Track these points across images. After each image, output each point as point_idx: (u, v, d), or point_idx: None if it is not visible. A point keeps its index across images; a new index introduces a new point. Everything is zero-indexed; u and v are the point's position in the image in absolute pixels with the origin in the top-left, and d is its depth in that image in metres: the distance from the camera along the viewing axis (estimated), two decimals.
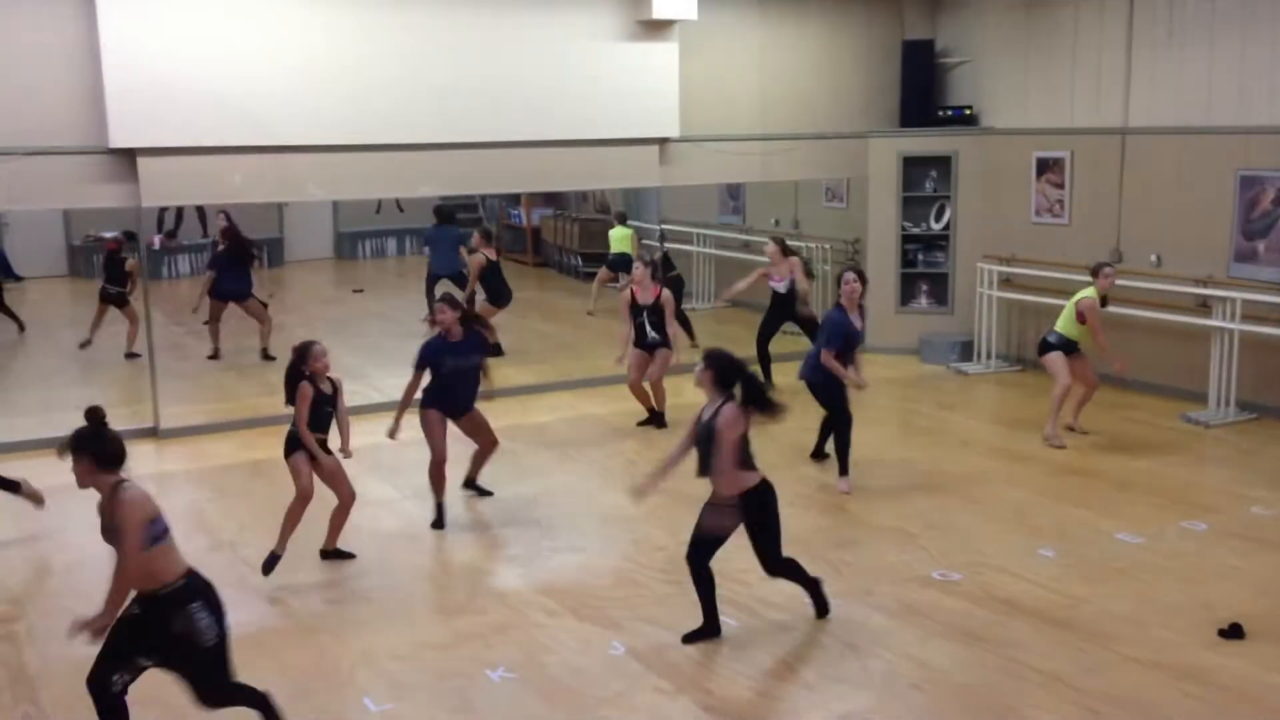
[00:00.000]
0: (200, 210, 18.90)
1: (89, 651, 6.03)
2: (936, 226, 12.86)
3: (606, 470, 8.99)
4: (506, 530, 7.80)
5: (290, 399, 7.03)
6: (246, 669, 5.83)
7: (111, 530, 4.66)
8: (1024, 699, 5.44)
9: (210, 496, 8.55)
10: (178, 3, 9.57)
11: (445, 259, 13.93)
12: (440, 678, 5.74)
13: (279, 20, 9.95)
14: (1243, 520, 7.73)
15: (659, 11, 11.05)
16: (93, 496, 8.81)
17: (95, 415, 4.95)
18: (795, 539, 7.47)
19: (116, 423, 10.60)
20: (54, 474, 9.20)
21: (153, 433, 10.06)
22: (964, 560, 7.10)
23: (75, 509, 8.27)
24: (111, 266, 13.26)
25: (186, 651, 4.66)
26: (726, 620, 6.30)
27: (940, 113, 12.81)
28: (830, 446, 8.73)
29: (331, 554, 7.27)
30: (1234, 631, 6.02)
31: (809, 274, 11.74)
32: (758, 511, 5.94)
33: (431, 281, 13.90)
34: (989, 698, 5.47)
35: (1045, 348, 9.62)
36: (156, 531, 4.69)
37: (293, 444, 7.07)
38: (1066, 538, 7.45)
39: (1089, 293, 9.41)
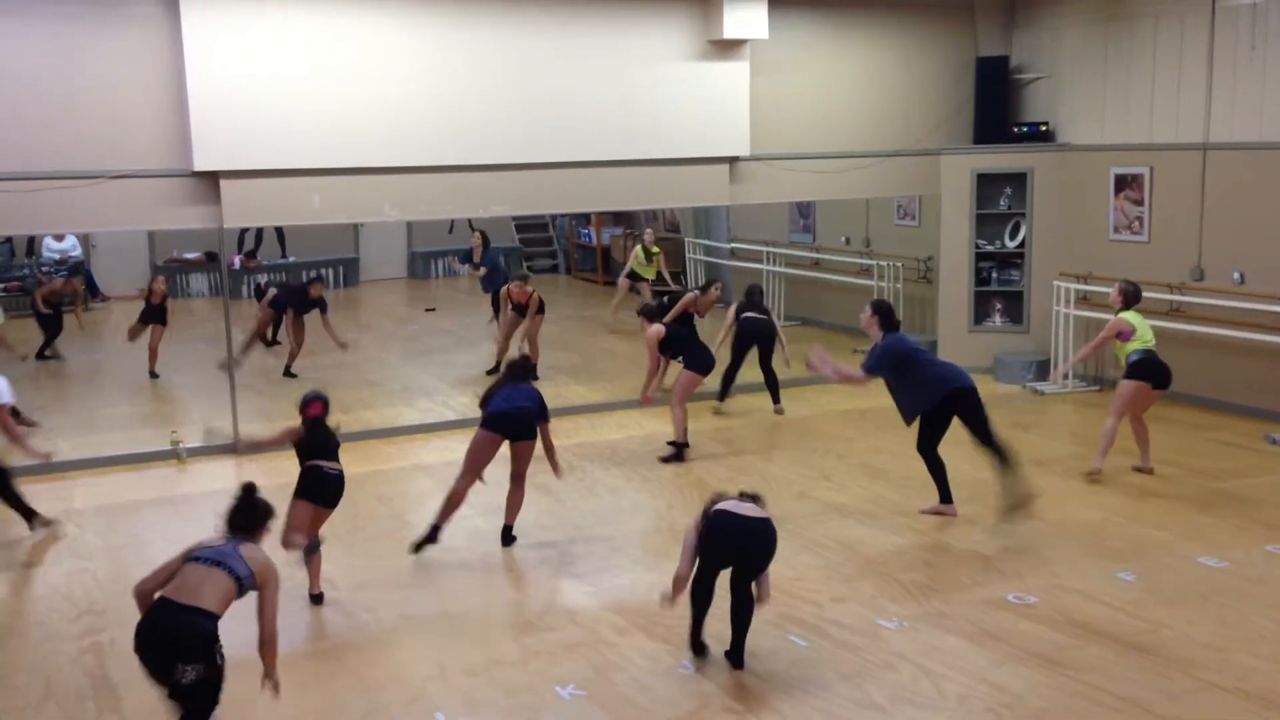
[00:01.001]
0: (279, 231, 19.34)
1: None
2: (1011, 244, 12.70)
3: (676, 489, 8.99)
4: (576, 547, 7.84)
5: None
6: (323, 682, 5.94)
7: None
8: None
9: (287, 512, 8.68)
10: (261, 30, 9.82)
11: (494, 279, 14.36)
12: (511, 694, 5.77)
13: (357, 47, 10.16)
14: None
15: (730, 31, 11.08)
16: (174, 512, 9.05)
17: (246, 489, 5.46)
18: (869, 561, 7.43)
19: (197, 439, 10.88)
20: (139, 489, 9.48)
21: (232, 448, 10.27)
22: (1040, 583, 6.98)
23: (160, 523, 8.50)
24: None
25: None
26: (795, 641, 6.27)
27: (1015, 129, 12.67)
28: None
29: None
30: None
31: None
32: None
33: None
34: None
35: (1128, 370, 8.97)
36: (194, 554, 5.06)
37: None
38: (1146, 561, 7.30)
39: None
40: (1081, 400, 11.67)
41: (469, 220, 15.05)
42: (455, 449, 10.27)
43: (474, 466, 7.73)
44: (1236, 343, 10.57)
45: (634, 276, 15.88)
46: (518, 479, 7.92)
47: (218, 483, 9.55)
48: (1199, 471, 9.13)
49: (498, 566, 7.61)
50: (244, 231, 18.79)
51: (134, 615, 6.85)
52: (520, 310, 12.77)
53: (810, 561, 7.40)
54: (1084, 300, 11.95)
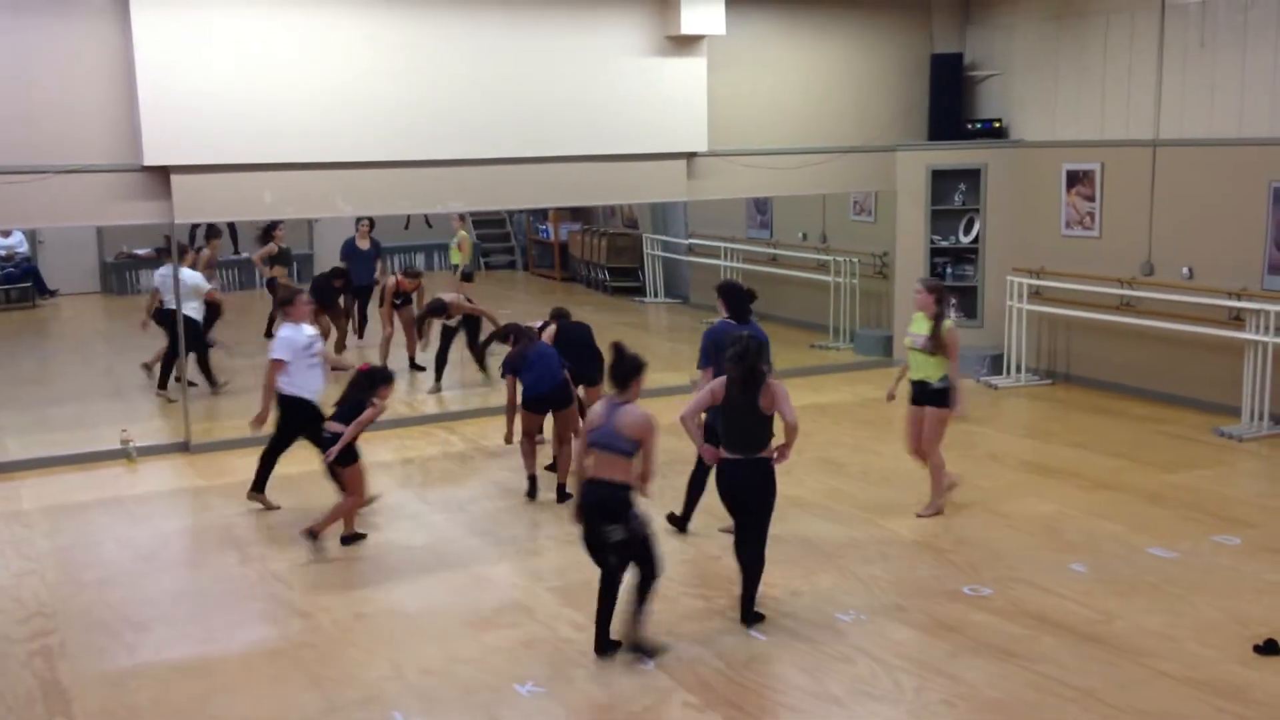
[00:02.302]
0: (232, 226, 19.09)
1: (120, 665, 6.11)
2: (965, 239, 12.81)
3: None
4: (535, 544, 7.81)
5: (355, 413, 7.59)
6: (278, 682, 5.88)
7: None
8: (1056, 715, 5.39)
9: (240, 511, 8.60)
10: (212, 22, 9.67)
11: (366, 270, 14.13)
12: (469, 692, 5.74)
13: (311, 39, 10.05)
14: (1278, 534, 7.63)
15: (687, 27, 11.07)
16: (125, 513, 8.91)
17: (616, 347, 6.22)
18: (824, 554, 7.47)
19: (147, 438, 10.73)
20: (88, 489, 9.33)
21: (184, 448, 10.14)
22: (994, 575, 7.05)
23: (109, 523, 8.38)
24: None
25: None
26: (755, 635, 6.28)
27: (969, 125, 12.78)
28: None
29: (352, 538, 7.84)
30: (1269, 647, 5.94)
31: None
32: None
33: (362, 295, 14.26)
34: (1021, 714, 5.42)
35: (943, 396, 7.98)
36: (590, 438, 5.98)
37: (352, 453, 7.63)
38: (1098, 552, 7.39)
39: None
40: (1034, 394, 11.80)
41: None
42: (411, 446, 10.23)
43: (529, 433, 8.61)
44: (1185, 337, 10.73)
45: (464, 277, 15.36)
46: (563, 441, 8.53)
47: (168, 482, 9.43)
48: (1149, 464, 9.25)
49: (455, 564, 7.56)
50: (195, 227, 18.54)
51: (82, 617, 6.77)
52: (407, 300, 12.93)
53: (768, 556, 7.41)
54: (1037, 295, 12.08)
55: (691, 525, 7.86)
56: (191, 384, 11.62)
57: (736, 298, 7.72)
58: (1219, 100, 10.54)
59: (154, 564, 7.59)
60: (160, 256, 15.11)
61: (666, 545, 7.61)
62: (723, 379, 6.34)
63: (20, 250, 18.75)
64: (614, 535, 5.91)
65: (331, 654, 6.20)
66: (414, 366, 12.92)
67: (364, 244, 14.04)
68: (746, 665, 5.95)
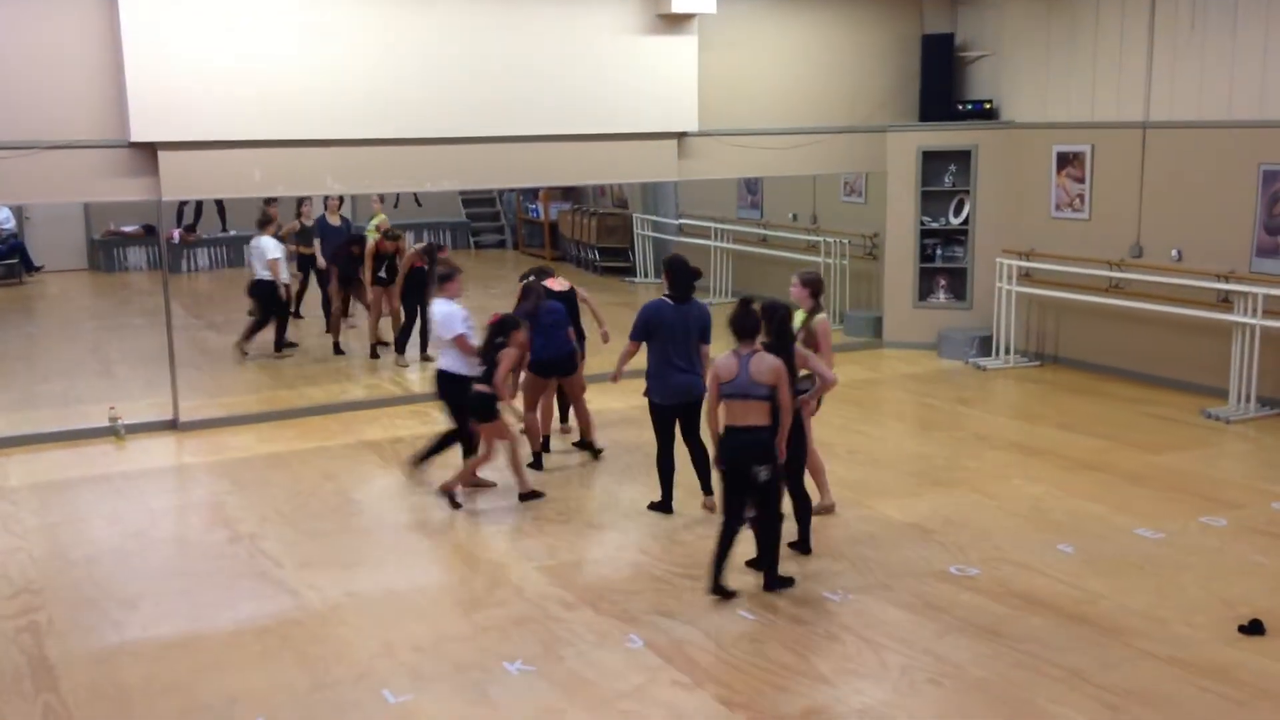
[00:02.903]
0: (219, 204, 19.02)
1: (108, 642, 6.11)
2: (955, 221, 12.81)
3: (626, 465, 8.99)
4: (525, 523, 7.82)
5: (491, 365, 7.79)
6: (267, 660, 5.88)
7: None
8: (1042, 693, 5.43)
9: (229, 489, 8.59)
10: None
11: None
12: (458, 669, 5.76)
13: (299, 15, 9.97)
14: (1264, 516, 7.69)
15: (678, 5, 11.02)
16: (113, 490, 8.89)
17: (742, 301, 6.54)
18: (814, 534, 7.48)
19: (135, 415, 10.71)
20: (76, 467, 9.31)
21: (172, 425, 10.12)
22: (981, 555, 7.08)
23: (97, 500, 8.37)
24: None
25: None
26: (743, 615, 6.31)
27: (960, 107, 12.76)
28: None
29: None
30: (1254, 627, 5.99)
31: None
32: None
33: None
34: (1007, 692, 5.46)
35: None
36: (725, 391, 6.35)
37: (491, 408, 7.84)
38: (1085, 533, 7.43)
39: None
40: (1023, 375, 11.83)
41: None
42: (402, 426, 10.23)
43: (533, 404, 8.72)
44: (1174, 319, 10.76)
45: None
46: (576, 401, 8.85)
47: (156, 460, 9.42)
48: (1137, 445, 9.29)
49: (445, 543, 7.58)
50: (183, 204, 18.47)
51: (70, 594, 6.76)
52: (390, 266, 12.72)
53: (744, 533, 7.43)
54: (1026, 278, 12.09)
55: (675, 506, 7.87)
56: (292, 344, 12.78)
57: (679, 274, 7.68)
58: (1209, 82, 10.55)
59: (142, 541, 7.59)
60: (148, 233, 15.03)
61: (656, 529, 7.65)
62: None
63: (7, 227, 18.65)
64: (763, 475, 6.30)
65: (321, 632, 6.21)
66: (399, 348, 12.76)
67: (334, 220, 13.95)
68: (735, 644, 5.97)
